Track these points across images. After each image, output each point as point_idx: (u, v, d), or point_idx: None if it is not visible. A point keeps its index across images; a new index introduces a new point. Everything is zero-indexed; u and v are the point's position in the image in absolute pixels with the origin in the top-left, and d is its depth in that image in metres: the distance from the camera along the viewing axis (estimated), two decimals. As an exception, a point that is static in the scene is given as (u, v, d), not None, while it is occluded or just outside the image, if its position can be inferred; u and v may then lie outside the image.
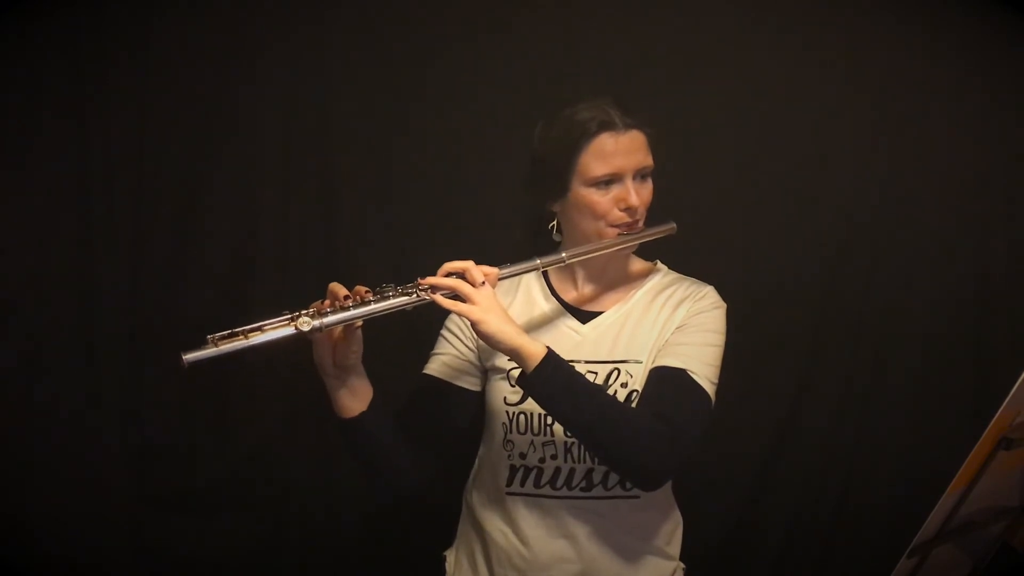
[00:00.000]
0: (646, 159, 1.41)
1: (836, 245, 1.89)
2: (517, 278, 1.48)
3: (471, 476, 1.55)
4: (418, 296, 1.28)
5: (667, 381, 1.37)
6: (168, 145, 1.80)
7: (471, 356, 1.48)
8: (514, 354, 1.28)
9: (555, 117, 1.42)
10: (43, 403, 1.75)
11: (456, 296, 1.28)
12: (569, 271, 1.50)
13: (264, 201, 1.84)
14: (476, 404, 1.49)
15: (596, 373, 1.41)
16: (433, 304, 1.28)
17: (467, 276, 1.30)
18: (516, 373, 1.41)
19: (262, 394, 1.86)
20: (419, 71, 1.84)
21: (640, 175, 1.41)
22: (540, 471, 1.43)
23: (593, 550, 1.42)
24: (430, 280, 1.29)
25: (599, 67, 1.82)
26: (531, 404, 1.40)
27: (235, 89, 1.81)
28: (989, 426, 1.16)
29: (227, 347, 1.18)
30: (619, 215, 1.40)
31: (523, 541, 1.44)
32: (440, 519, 1.61)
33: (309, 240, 1.86)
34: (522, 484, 1.44)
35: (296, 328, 1.21)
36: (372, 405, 1.36)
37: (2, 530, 1.73)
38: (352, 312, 1.25)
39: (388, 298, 1.27)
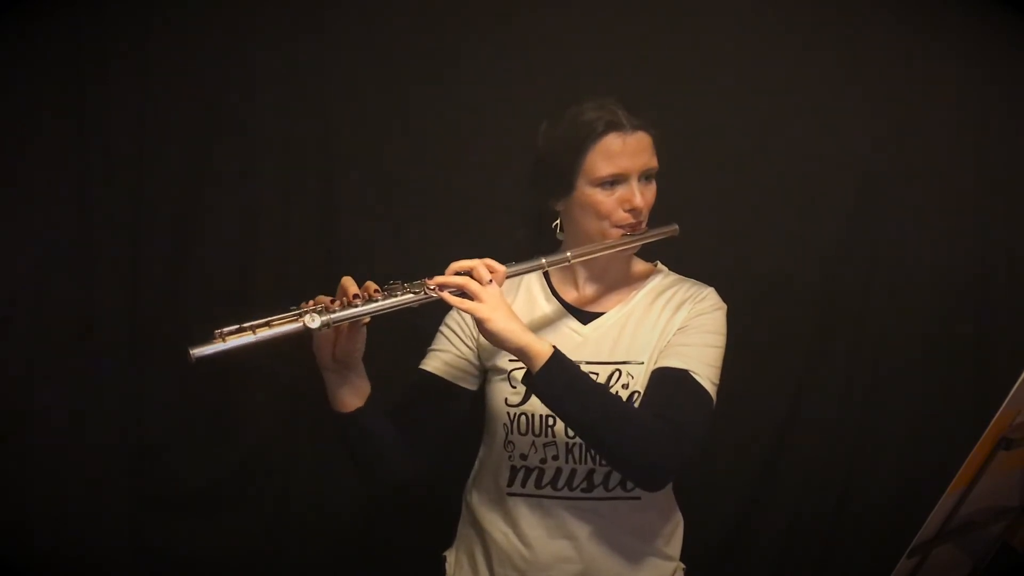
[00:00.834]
0: (651, 160, 1.41)
1: (836, 245, 1.89)
2: (518, 278, 1.49)
3: (471, 477, 1.55)
4: (426, 294, 1.28)
5: (669, 382, 1.37)
6: (168, 145, 1.80)
7: (470, 355, 1.48)
8: (520, 353, 1.28)
9: (561, 116, 1.42)
10: (43, 403, 1.75)
11: (463, 294, 1.28)
12: (570, 271, 1.50)
13: (264, 201, 1.84)
14: (471, 402, 1.49)
15: (597, 374, 1.41)
16: (434, 301, 1.28)
17: (474, 274, 1.30)
18: (518, 374, 1.41)
19: (262, 394, 1.86)
20: (419, 71, 1.84)
21: (645, 176, 1.41)
22: (541, 472, 1.43)
23: (594, 550, 1.43)
24: (438, 279, 1.29)
25: (599, 68, 1.82)
26: (532, 405, 1.41)
27: (235, 89, 1.81)
28: (989, 426, 1.16)
29: (234, 342, 1.18)
30: (623, 216, 1.40)
31: (524, 541, 1.44)
32: (440, 519, 1.61)
33: (309, 240, 1.86)
34: (523, 485, 1.44)
35: (304, 324, 1.21)
36: (369, 401, 1.36)
37: (2, 530, 1.73)
38: (360, 309, 1.25)
39: (396, 295, 1.27)
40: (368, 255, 1.85)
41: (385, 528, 1.92)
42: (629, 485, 1.42)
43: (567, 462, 1.42)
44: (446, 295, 1.28)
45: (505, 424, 1.44)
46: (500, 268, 1.33)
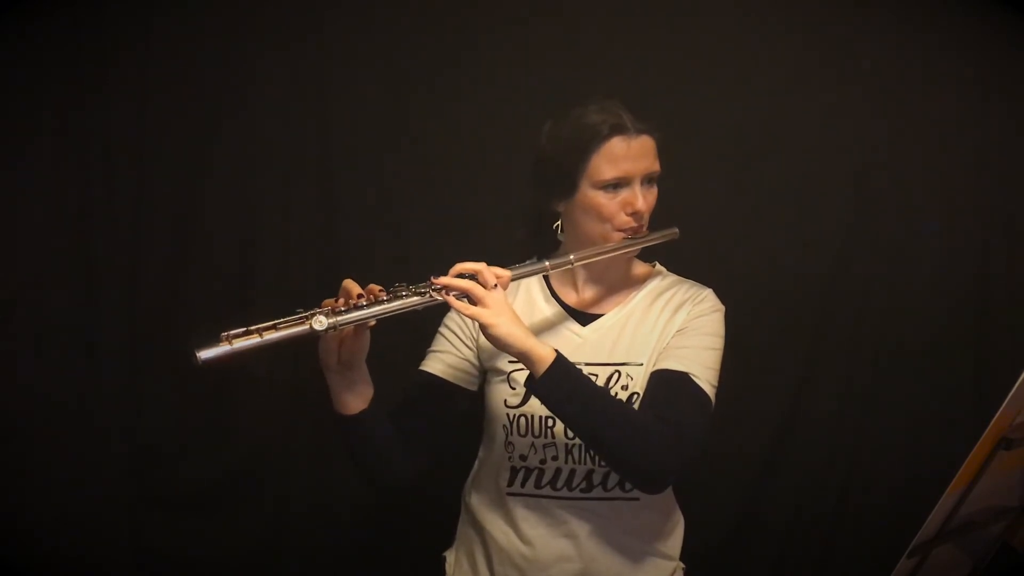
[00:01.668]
0: (654, 164, 1.41)
1: (836, 246, 1.89)
2: (518, 279, 1.49)
3: (470, 477, 1.55)
4: (431, 296, 1.28)
5: (669, 384, 1.37)
6: (168, 145, 1.80)
7: (470, 356, 1.48)
8: (523, 357, 1.28)
9: (565, 117, 1.42)
10: (43, 403, 1.75)
11: (467, 297, 1.28)
12: (570, 273, 1.50)
13: (264, 201, 1.84)
14: (471, 403, 1.49)
15: (596, 375, 1.41)
16: (436, 302, 1.28)
17: (479, 278, 1.30)
18: (518, 376, 1.41)
19: (262, 394, 1.86)
20: (419, 71, 1.84)
21: (647, 180, 1.41)
22: (541, 472, 1.43)
23: (594, 550, 1.43)
24: (443, 280, 1.29)
25: (599, 70, 1.82)
26: (532, 407, 1.41)
27: (235, 89, 1.81)
28: (989, 426, 1.16)
29: (241, 345, 1.17)
30: (625, 219, 1.40)
31: (524, 541, 1.44)
32: (440, 519, 1.61)
33: (309, 240, 1.86)
34: (523, 485, 1.44)
35: (311, 327, 1.20)
36: (371, 403, 1.36)
37: (2, 530, 1.73)
38: (366, 311, 1.24)
39: (401, 297, 1.26)
40: (368, 256, 1.86)
41: (385, 528, 1.92)
42: (628, 485, 1.42)
43: (566, 462, 1.42)
44: (451, 299, 1.28)
45: (505, 425, 1.44)
46: (505, 273, 1.33)
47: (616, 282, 1.51)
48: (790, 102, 1.86)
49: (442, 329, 1.51)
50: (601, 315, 1.48)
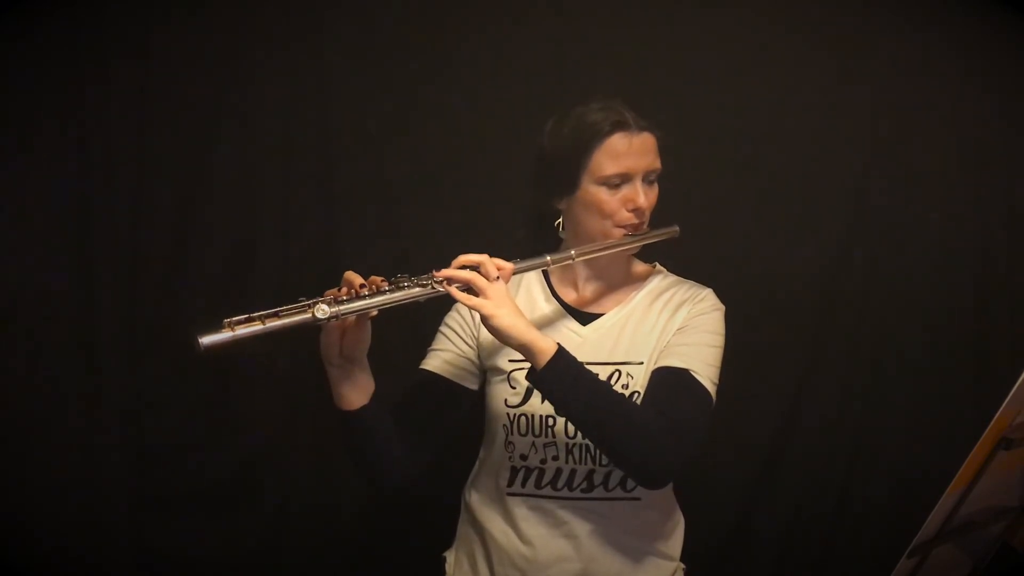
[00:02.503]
0: (655, 162, 1.42)
1: (836, 246, 1.89)
2: (518, 278, 1.49)
3: (470, 477, 1.55)
4: (433, 288, 1.28)
5: (670, 381, 1.38)
6: (168, 145, 1.80)
7: (471, 354, 1.48)
8: (524, 349, 1.28)
9: (567, 115, 1.43)
10: (43, 403, 1.75)
11: (469, 289, 1.28)
12: (570, 272, 1.51)
13: (264, 201, 1.84)
14: (472, 402, 1.49)
15: (597, 375, 1.41)
16: (439, 297, 1.28)
17: (481, 270, 1.30)
18: (518, 375, 1.41)
19: (262, 394, 1.86)
20: (418, 71, 1.84)
21: (649, 177, 1.42)
22: (541, 472, 1.43)
23: (594, 549, 1.43)
24: (445, 272, 1.29)
25: (601, 69, 1.82)
26: (532, 406, 1.41)
27: (235, 89, 1.81)
28: (989, 426, 1.16)
29: (243, 332, 1.17)
30: (626, 216, 1.41)
31: (524, 541, 1.44)
32: (440, 520, 1.61)
33: (309, 240, 1.86)
34: (523, 485, 1.45)
35: (313, 315, 1.20)
36: (373, 399, 1.36)
37: (2, 530, 1.73)
38: (368, 301, 1.24)
39: (403, 288, 1.27)
40: (368, 256, 1.85)
41: (385, 528, 1.92)
42: (629, 485, 1.42)
43: (567, 462, 1.42)
44: (453, 290, 1.28)
45: (505, 425, 1.44)
46: (507, 265, 1.33)
47: (616, 281, 1.51)
48: (791, 102, 1.86)
49: (443, 328, 1.52)
50: (601, 314, 1.48)
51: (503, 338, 1.28)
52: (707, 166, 1.84)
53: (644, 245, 1.47)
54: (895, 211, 1.88)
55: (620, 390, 1.41)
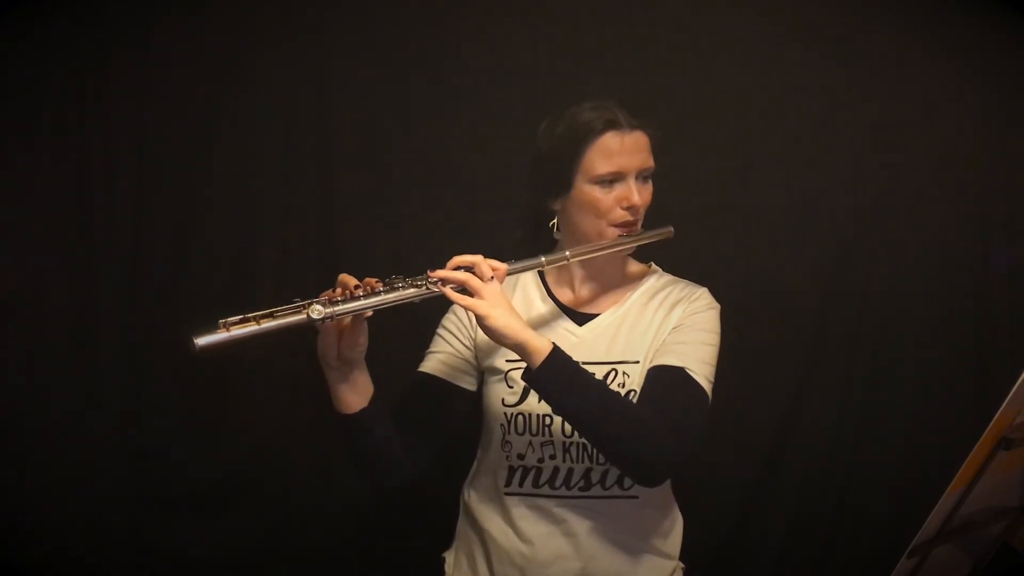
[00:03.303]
0: (648, 160, 1.42)
1: (836, 246, 1.89)
2: (514, 279, 1.49)
3: (469, 477, 1.55)
4: (428, 288, 1.28)
5: (666, 379, 1.37)
6: (168, 145, 1.80)
7: (468, 354, 1.48)
8: (520, 349, 1.29)
9: (560, 115, 1.43)
10: (43, 403, 1.75)
11: (464, 290, 1.29)
12: (566, 273, 1.51)
13: (264, 201, 1.84)
14: (471, 403, 1.49)
15: (593, 374, 1.41)
16: (436, 300, 1.28)
17: (476, 270, 1.30)
18: (515, 375, 1.41)
19: (261, 395, 1.86)
20: (418, 71, 1.84)
21: (642, 176, 1.42)
22: (539, 471, 1.43)
23: (593, 548, 1.43)
24: (440, 273, 1.29)
25: (596, 69, 1.82)
26: (529, 405, 1.41)
27: (235, 89, 1.81)
28: (989, 426, 1.16)
29: (239, 332, 1.17)
30: (621, 214, 1.41)
31: (523, 540, 1.44)
32: (440, 520, 1.61)
33: (309, 240, 1.86)
34: (521, 484, 1.44)
35: (308, 315, 1.21)
36: (372, 402, 1.36)
37: (2, 530, 1.73)
38: (363, 302, 1.25)
39: (398, 289, 1.27)
40: (367, 255, 1.86)
41: (385, 528, 1.92)
42: (626, 483, 1.42)
43: (564, 461, 1.42)
44: (448, 291, 1.28)
45: (502, 424, 1.44)
46: (501, 266, 1.34)
47: (612, 282, 1.51)
48: (789, 101, 1.86)
49: (440, 330, 1.52)
50: (597, 314, 1.48)
51: (498, 338, 1.28)
52: (706, 166, 1.84)
53: (639, 246, 1.47)
54: (895, 211, 1.88)
55: (616, 389, 1.41)
